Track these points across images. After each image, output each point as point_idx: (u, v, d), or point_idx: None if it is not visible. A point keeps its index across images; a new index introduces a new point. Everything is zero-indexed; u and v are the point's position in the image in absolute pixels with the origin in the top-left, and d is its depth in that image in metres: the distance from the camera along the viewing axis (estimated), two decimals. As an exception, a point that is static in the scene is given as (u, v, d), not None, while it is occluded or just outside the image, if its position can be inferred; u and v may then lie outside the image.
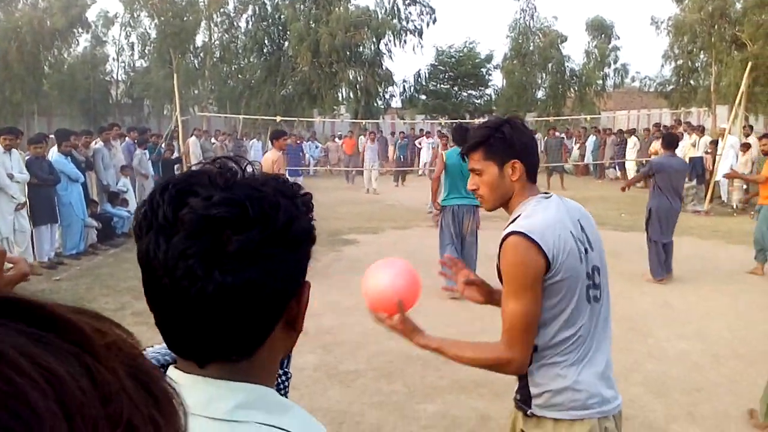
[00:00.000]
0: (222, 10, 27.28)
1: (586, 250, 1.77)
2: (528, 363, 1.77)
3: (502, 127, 1.80)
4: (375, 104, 26.56)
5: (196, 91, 27.39)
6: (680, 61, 23.63)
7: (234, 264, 0.64)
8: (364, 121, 22.87)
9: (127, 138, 11.14)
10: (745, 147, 12.54)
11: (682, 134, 15.61)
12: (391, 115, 28.80)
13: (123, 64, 29.72)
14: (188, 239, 0.64)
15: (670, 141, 7.46)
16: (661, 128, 17.51)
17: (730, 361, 4.59)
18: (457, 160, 6.55)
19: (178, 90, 12.77)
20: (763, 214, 7.35)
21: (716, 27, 21.13)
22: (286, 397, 0.81)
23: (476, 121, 26.64)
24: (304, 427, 0.71)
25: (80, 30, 27.84)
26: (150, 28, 27.97)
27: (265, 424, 0.67)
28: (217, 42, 27.86)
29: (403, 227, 10.90)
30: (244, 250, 0.65)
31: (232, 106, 25.35)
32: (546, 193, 1.86)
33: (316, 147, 21.48)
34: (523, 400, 1.85)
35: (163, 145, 12.05)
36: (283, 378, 0.85)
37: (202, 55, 27.87)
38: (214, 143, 18.77)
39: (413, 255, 8.39)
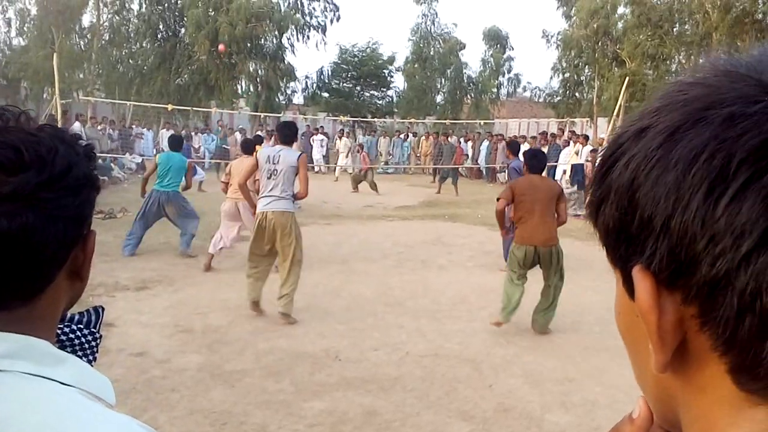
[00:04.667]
0: (112, -10, 25.62)
1: (274, 162, 5.29)
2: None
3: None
4: (276, 99, 26.08)
5: (81, 75, 25.53)
6: (567, 74, 25.22)
7: (8, 207, 0.63)
8: (263, 115, 22.38)
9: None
10: (621, 156, 13.62)
11: (568, 142, 16.67)
12: (293, 111, 28.42)
13: (-3, 42, 27.15)
14: None
15: (517, 147, 8.60)
16: (548, 136, 18.56)
17: (599, 353, 4.93)
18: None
19: (59, 71, 11.84)
20: None
21: (600, 44, 22.76)
22: (94, 360, 0.80)
23: (377, 121, 26.96)
24: (80, 378, 0.68)
25: (-53, 0, 25.17)
26: (30, 4, 25.73)
27: (30, 374, 0.65)
28: (106, 23, 26.08)
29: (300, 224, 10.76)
30: (18, 193, 0.63)
31: (122, 93, 23.83)
32: (282, 145, 5.52)
33: (212, 140, 20.51)
34: None
35: None
36: (89, 339, 0.82)
37: (88, 36, 25.99)
38: (101, 129, 17.62)
39: (308, 253, 8.30)
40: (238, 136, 20.36)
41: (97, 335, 0.84)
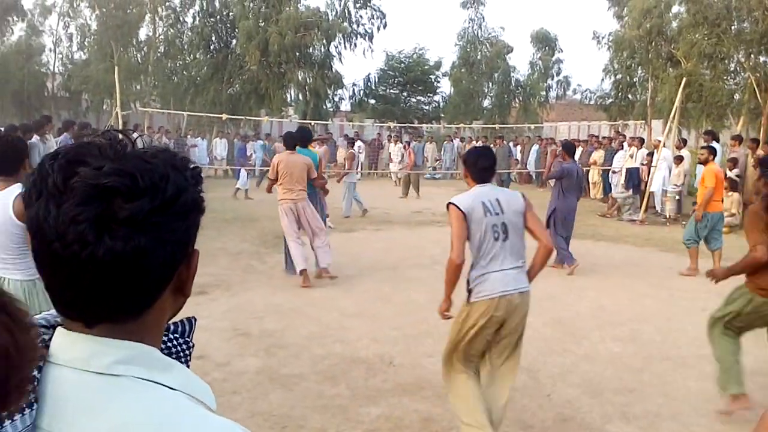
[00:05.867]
0: (167, 4, 26.51)
1: (497, 212, 3.38)
2: (461, 257, 3.35)
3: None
4: (324, 106, 26.40)
5: (138, 87, 26.51)
6: (619, 76, 24.56)
7: (124, 231, 0.68)
8: (312, 123, 22.69)
9: (66, 132, 10.69)
10: (678, 160, 13.15)
11: (622, 145, 16.23)
12: (341, 117, 28.74)
13: (60, 56, 28.50)
14: (78, 206, 0.67)
15: (572, 149, 8.61)
16: (600, 139, 18.10)
17: (660, 363, 4.79)
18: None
19: (119, 84, 12.33)
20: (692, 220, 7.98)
21: (653, 44, 22.09)
22: (187, 367, 0.84)
23: (425, 126, 26.94)
24: (186, 384, 0.74)
25: (15, 18, 26.62)
26: (90, 20, 26.94)
27: (143, 379, 0.70)
28: (161, 36, 27.04)
29: (348, 230, 10.88)
30: (133, 218, 0.68)
31: (177, 103, 24.64)
32: (484, 184, 3.51)
33: (261, 146, 20.92)
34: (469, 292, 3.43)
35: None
36: (184, 347, 0.87)
37: (145, 49, 27.00)
38: (157, 139, 18.25)
39: (357, 259, 8.39)
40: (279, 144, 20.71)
41: (191, 344, 0.89)
